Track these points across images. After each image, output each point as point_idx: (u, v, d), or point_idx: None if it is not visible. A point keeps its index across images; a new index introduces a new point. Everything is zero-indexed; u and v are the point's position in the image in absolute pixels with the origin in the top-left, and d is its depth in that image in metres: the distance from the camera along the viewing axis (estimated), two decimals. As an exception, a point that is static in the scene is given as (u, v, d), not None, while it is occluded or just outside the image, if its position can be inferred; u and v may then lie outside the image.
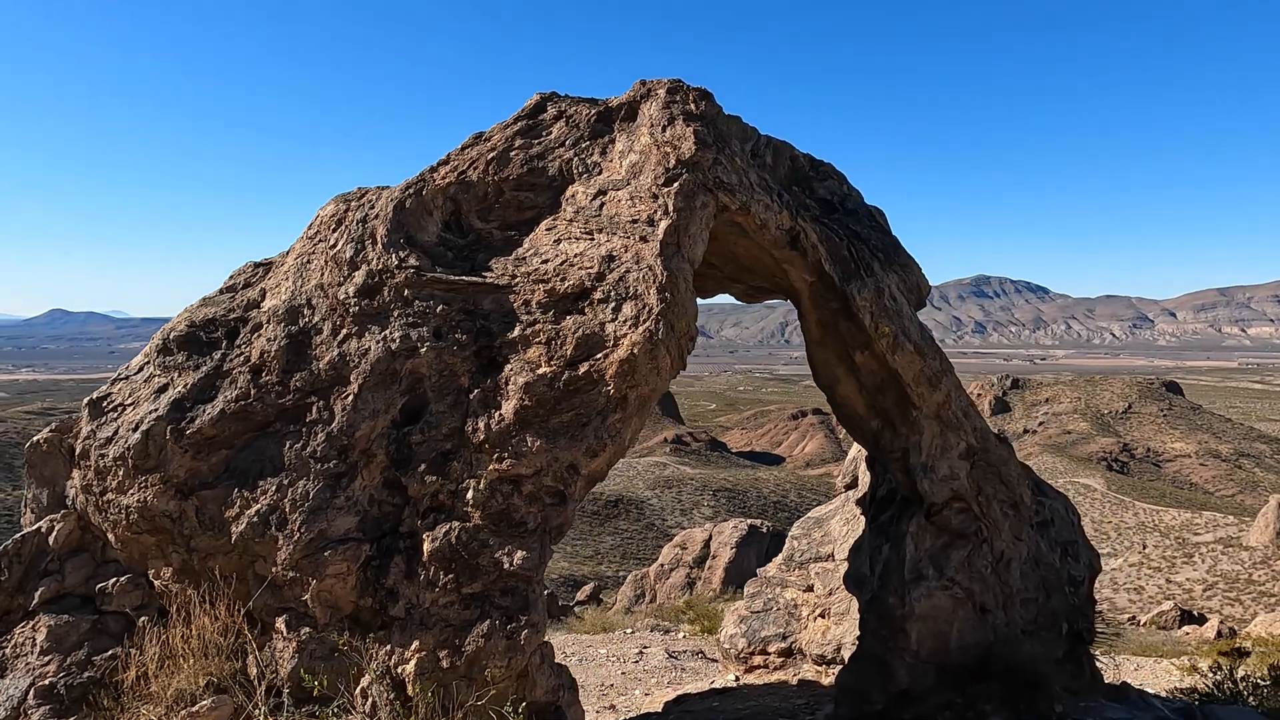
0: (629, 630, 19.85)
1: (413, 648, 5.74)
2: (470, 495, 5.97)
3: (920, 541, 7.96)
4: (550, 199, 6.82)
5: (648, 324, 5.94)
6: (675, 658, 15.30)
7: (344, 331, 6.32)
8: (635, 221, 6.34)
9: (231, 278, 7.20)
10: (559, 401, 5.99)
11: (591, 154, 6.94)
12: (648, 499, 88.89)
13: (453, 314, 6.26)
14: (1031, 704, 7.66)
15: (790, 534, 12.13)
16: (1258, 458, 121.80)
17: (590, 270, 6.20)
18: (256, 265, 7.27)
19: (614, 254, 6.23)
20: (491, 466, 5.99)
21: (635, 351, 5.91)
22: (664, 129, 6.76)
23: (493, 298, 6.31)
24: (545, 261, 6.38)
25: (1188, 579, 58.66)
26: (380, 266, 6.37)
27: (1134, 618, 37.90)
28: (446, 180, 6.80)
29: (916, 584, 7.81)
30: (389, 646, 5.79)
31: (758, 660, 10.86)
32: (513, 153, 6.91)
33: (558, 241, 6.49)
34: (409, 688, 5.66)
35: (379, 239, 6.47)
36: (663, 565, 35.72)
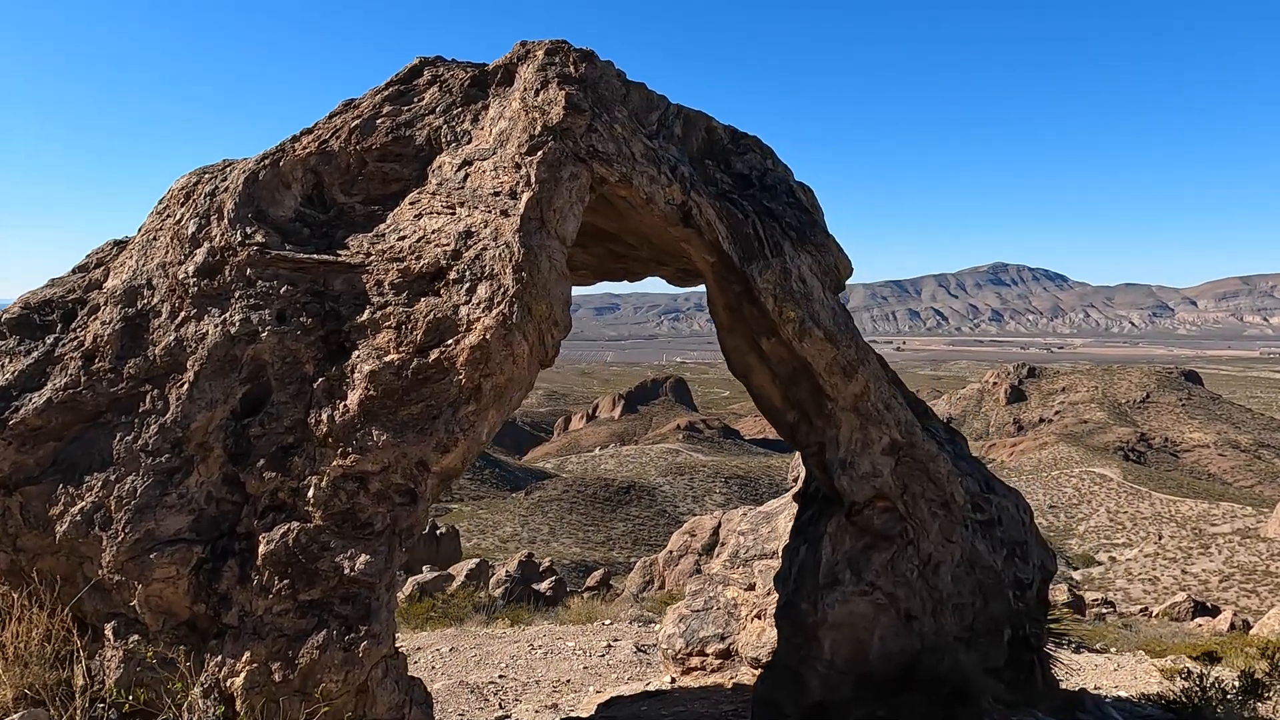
0: (607, 621, 19.34)
1: (243, 659, 5.25)
2: (312, 494, 5.45)
3: (839, 543, 7.37)
4: (418, 170, 6.23)
5: (502, 307, 5.38)
6: (644, 651, 14.74)
7: (182, 314, 5.79)
8: (497, 194, 5.75)
9: (87, 257, 6.71)
10: (407, 392, 5.45)
11: (463, 121, 6.34)
12: (660, 485, 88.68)
13: (299, 295, 5.72)
14: (955, 716, 7.10)
15: (738, 529, 11.58)
16: (1277, 448, 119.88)
17: (447, 248, 5.64)
18: (115, 243, 6.76)
19: (473, 230, 5.66)
20: (335, 462, 5.47)
21: (488, 337, 5.36)
22: (536, 93, 6.14)
23: (344, 278, 5.76)
24: (403, 238, 5.82)
25: (1204, 570, 57.81)
26: (223, 243, 5.83)
27: (1146, 609, 37.28)
28: (307, 150, 6.24)
29: (831, 589, 7.22)
30: (220, 657, 5.31)
31: (695, 662, 10.34)
32: (379, 120, 6.33)
33: (419, 217, 5.93)
34: (236, 703, 5.19)
35: (225, 213, 5.93)
36: (671, 552, 35.18)
